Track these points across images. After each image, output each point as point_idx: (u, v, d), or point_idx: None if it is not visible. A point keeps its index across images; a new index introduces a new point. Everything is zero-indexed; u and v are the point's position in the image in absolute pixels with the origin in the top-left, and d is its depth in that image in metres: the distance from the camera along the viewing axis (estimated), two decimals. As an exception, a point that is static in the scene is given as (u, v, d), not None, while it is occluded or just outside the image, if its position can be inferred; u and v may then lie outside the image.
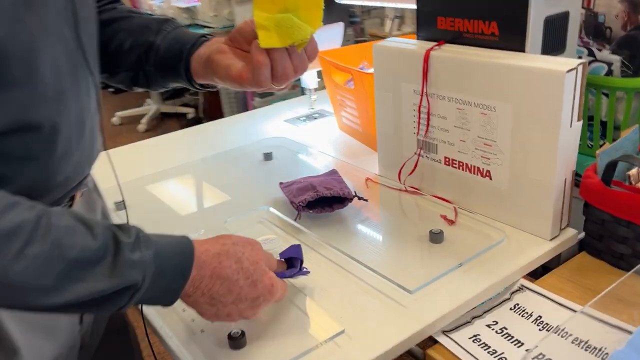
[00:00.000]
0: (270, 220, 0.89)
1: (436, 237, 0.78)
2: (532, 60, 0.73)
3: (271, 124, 1.35)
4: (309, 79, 1.31)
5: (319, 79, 1.34)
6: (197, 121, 3.80)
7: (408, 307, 0.66)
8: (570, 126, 0.73)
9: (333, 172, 0.97)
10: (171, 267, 0.53)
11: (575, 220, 0.81)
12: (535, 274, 0.78)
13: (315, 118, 1.35)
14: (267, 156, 1.12)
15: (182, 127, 3.87)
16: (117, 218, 0.93)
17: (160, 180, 1.07)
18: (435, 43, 0.85)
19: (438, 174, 0.90)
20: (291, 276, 0.68)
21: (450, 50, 0.82)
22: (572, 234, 0.79)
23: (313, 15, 0.60)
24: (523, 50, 0.77)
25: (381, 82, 0.94)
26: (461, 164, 0.85)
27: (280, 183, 0.95)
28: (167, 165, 1.13)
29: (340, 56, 1.24)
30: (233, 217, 0.89)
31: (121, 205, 0.96)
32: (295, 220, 0.84)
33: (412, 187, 0.94)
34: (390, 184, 0.96)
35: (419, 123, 0.89)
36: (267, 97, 2.84)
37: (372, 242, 0.82)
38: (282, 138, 1.21)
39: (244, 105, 2.94)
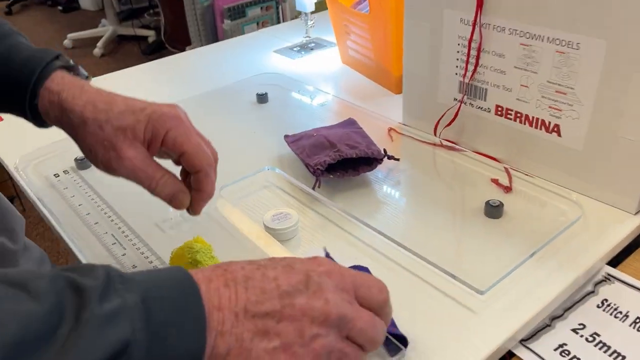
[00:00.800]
0: (278, 185, 0.71)
1: (494, 210, 0.62)
2: (643, -19, 0.55)
3: (259, 56, 1.13)
4: (306, 0, 1.08)
5: (317, 1, 1.12)
6: (159, 45, 3.48)
7: (480, 314, 0.51)
8: (686, 72, 0.56)
9: (351, 122, 0.78)
10: (173, 309, 0.33)
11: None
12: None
13: (312, 48, 1.14)
14: (262, 98, 0.92)
15: (143, 52, 3.55)
16: (77, 178, 0.73)
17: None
18: (493, -44, 0.65)
19: (485, 126, 0.73)
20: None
21: (517, -33, 0.63)
22: (657, 205, 0.64)
23: None
24: (620, -32, 0.58)
25: (415, 7, 0.74)
26: (519, 114, 0.68)
27: (286, 136, 0.77)
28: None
29: (346, -27, 1.02)
30: (230, 182, 0.70)
31: (84, 162, 0.76)
32: (314, 188, 0.66)
33: (448, 141, 0.77)
34: (420, 137, 0.79)
35: (467, 62, 0.71)
36: (238, 20, 2.56)
37: (413, 217, 0.65)
38: (276, 74, 1.00)
39: (212, 28, 2.66)
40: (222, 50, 1.20)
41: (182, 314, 0.33)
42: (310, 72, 1.05)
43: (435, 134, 0.78)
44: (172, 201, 0.50)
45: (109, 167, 0.49)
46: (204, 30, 2.66)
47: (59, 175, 0.74)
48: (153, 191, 0.49)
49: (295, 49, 1.15)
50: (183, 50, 2.87)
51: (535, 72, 0.64)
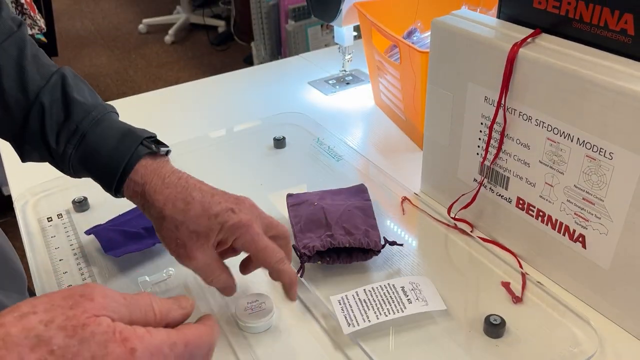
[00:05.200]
0: (267, 258, 0.66)
1: (494, 329, 0.54)
2: (695, 96, 0.45)
3: (292, 87, 1.08)
4: (344, 33, 1.02)
5: (356, 33, 1.05)
6: (227, 36, 3.49)
7: None
8: None
9: (361, 190, 0.72)
10: None
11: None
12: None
13: (348, 83, 1.08)
14: (279, 143, 0.87)
15: (211, 42, 3.58)
16: (69, 226, 0.71)
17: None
18: (527, 31, 0.57)
19: (505, 216, 0.64)
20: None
21: (551, 50, 0.54)
22: (695, 343, 0.54)
23: None
24: (673, 67, 0.48)
25: (438, 75, 0.66)
26: (541, 213, 0.59)
27: (289, 196, 0.71)
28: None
29: (387, 9, 0.94)
30: (218, 249, 0.66)
31: (82, 205, 0.74)
32: (298, 273, 0.61)
33: (464, 221, 0.69)
34: (435, 212, 0.71)
35: (487, 143, 0.62)
36: (302, 21, 2.51)
37: (400, 323, 0.57)
38: (301, 115, 0.95)
39: (276, 27, 2.62)
40: (256, 77, 1.16)
41: None
42: (340, 111, 0.99)
43: (449, 214, 0.70)
44: (222, 292, 0.55)
45: (177, 258, 0.52)
46: (268, 28, 2.63)
47: (51, 220, 0.72)
48: (207, 283, 0.53)
49: (330, 81, 1.08)
50: (249, 43, 2.87)
51: (561, 172, 0.55)
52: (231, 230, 0.50)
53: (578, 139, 0.52)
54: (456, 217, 0.70)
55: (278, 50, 2.66)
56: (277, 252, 0.52)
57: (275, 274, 0.53)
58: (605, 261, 0.54)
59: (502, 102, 0.58)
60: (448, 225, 0.69)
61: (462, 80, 0.62)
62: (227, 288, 0.54)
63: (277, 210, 0.72)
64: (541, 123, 0.55)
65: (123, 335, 0.32)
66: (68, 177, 0.79)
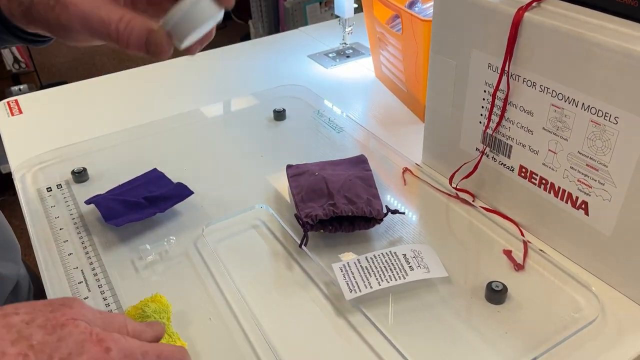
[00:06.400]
0: (269, 226, 0.66)
1: (496, 296, 0.54)
2: (703, 57, 0.44)
3: (291, 60, 1.07)
4: (344, 4, 1.00)
5: (357, 5, 1.04)
6: (225, 14, 3.42)
7: None
8: None
9: (361, 161, 0.71)
10: None
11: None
12: None
13: (348, 56, 1.07)
14: (279, 115, 0.86)
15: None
16: (68, 195, 0.71)
17: (133, 141, 0.83)
18: (532, -4, 0.56)
19: (507, 185, 0.64)
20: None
21: (556, 14, 0.53)
22: (696, 309, 0.54)
23: None
24: (680, 30, 0.48)
25: (441, 43, 0.65)
26: (544, 181, 0.59)
27: (289, 167, 0.71)
28: (152, 117, 0.89)
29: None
30: (217, 218, 0.66)
31: (82, 175, 0.74)
32: (300, 245, 0.60)
33: (465, 192, 0.69)
34: (436, 183, 0.71)
35: (490, 111, 0.62)
36: (301, -3, 2.48)
37: (402, 289, 0.58)
38: (301, 87, 0.94)
39: (274, 4, 2.59)
40: (255, 51, 1.14)
41: None
42: (341, 84, 0.98)
43: (450, 184, 0.70)
44: (149, 47, 0.39)
45: (68, 29, 0.40)
46: (266, 6, 2.60)
47: (51, 190, 0.72)
48: (118, 40, 0.39)
49: (330, 54, 1.07)
50: (247, 21, 2.84)
51: (565, 139, 0.55)
52: None
53: (583, 104, 0.52)
54: (458, 187, 0.70)
55: (276, 28, 2.64)
56: None
57: None
58: (608, 228, 0.54)
59: (506, 68, 0.57)
60: (450, 195, 0.69)
61: (465, 47, 0.62)
62: (150, 35, 0.39)
63: (279, 182, 0.72)
64: (545, 89, 0.55)
65: (99, 336, 0.34)
66: (67, 148, 0.80)
